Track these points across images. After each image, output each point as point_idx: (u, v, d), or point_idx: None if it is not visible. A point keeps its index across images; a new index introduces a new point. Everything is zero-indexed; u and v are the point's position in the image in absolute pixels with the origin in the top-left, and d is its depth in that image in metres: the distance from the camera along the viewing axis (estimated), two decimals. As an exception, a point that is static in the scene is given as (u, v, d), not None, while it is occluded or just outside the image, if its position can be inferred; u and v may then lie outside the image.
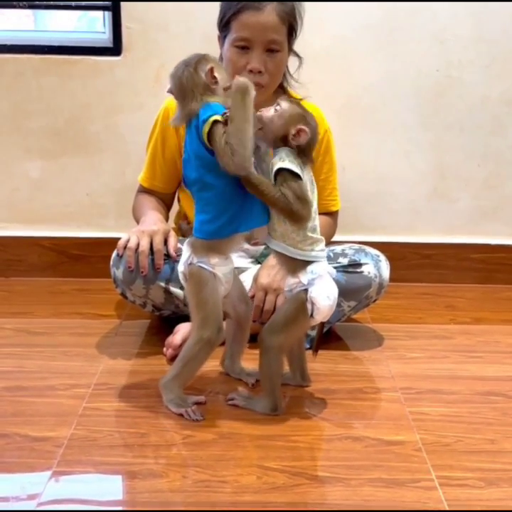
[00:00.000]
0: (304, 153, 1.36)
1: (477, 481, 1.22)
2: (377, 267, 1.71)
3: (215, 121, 1.29)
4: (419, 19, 2.07)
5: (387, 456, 1.29)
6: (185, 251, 1.39)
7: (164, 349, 1.65)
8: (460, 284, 2.20)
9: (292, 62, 1.76)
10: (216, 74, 1.33)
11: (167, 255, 1.62)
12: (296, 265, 1.38)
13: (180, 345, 1.61)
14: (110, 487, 1.22)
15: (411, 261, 2.21)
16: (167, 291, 1.66)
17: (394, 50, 2.09)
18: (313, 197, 1.37)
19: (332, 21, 2.05)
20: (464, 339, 1.83)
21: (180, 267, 1.40)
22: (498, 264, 2.22)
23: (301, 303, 1.37)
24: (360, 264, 1.70)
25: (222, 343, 1.48)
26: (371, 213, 2.20)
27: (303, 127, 1.34)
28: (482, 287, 2.20)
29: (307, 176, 1.36)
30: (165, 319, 1.77)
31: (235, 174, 1.29)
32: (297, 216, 1.33)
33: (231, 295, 1.45)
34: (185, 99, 1.34)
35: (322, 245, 1.39)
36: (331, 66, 2.07)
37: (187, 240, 1.40)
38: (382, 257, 1.74)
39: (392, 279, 1.75)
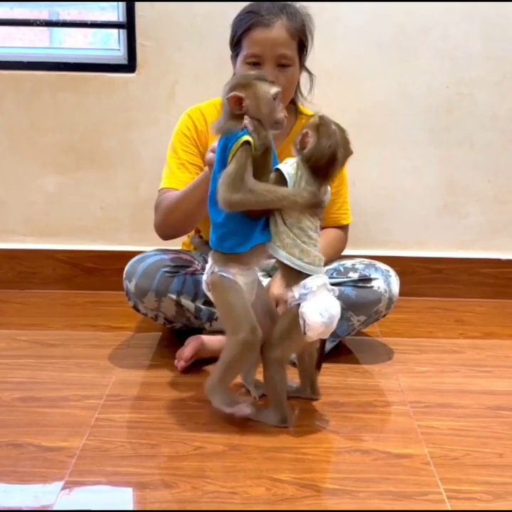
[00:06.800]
0: (309, 164, 1.32)
1: (485, 494, 1.23)
2: (387, 282, 1.72)
3: (245, 143, 1.29)
4: (430, 37, 2.09)
5: (395, 469, 1.30)
6: (209, 261, 1.41)
7: (175, 361, 1.66)
8: (470, 299, 2.21)
9: (304, 83, 1.78)
10: (246, 103, 1.32)
11: (176, 268, 1.65)
12: (290, 277, 1.35)
13: (191, 358, 1.63)
14: (121, 497, 1.24)
15: (421, 275, 2.22)
16: (178, 304, 1.68)
17: (404, 68, 2.11)
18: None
19: (343, 39, 2.08)
20: (474, 353, 1.83)
21: (204, 277, 1.42)
22: (508, 279, 2.23)
23: (293, 317, 1.35)
24: (370, 279, 1.71)
25: None
26: (382, 228, 2.21)
27: (307, 130, 1.32)
28: (492, 302, 2.21)
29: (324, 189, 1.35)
30: (176, 332, 1.79)
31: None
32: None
33: (255, 308, 1.44)
34: (223, 114, 1.36)
35: (313, 259, 1.35)
36: (342, 83, 2.10)
37: (211, 252, 1.41)
38: (392, 272, 1.76)
39: (402, 293, 1.76)
